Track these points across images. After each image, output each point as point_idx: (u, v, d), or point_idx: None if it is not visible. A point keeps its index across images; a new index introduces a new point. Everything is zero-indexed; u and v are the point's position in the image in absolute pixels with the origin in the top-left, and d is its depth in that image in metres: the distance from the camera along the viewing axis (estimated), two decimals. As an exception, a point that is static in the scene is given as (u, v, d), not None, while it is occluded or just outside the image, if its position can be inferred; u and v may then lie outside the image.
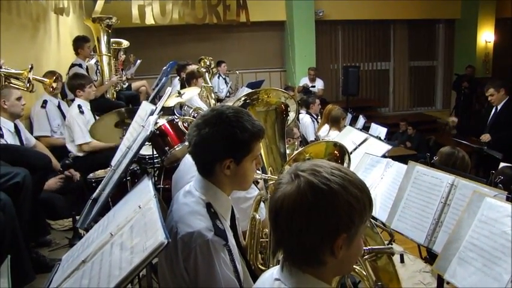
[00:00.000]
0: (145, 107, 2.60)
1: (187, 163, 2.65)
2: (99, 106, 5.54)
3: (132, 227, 1.28)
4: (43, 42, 6.69)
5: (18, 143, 4.04)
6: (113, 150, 4.81)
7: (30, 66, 2.92)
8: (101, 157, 4.72)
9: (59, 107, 5.40)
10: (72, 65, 6.39)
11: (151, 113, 2.35)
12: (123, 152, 2.40)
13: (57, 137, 5.25)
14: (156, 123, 2.43)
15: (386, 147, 4.08)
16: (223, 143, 1.78)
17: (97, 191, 2.11)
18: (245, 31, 11.31)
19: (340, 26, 12.29)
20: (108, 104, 6.05)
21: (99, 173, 4.37)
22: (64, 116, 5.36)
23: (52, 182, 4.11)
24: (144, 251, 1.11)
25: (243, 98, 2.20)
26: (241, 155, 1.81)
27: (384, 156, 3.74)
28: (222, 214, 1.83)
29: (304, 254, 1.28)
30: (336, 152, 2.08)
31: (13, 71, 2.84)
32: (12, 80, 2.86)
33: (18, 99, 4.12)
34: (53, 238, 3.71)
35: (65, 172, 4.55)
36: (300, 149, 2.07)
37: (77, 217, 3.66)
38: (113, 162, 2.56)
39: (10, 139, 3.97)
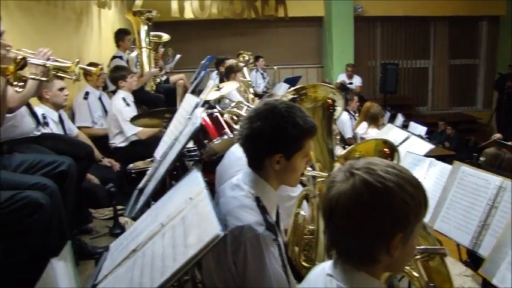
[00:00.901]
0: (189, 99, 2.62)
1: (232, 157, 2.66)
2: (139, 98, 5.61)
3: (183, 218, 1.29)
4: (85, 34, 6.83)
5: (62, 133, 4.14)
6: (155, 141, 4.93)
7: (77, 61, 2.97)
8: (140, 148, 4.80)
9: (100, 98, 5.51)
10: (113, 57, 6.52)
11: (197, 106, 2.36)
12: (168, 143, 2.42)
13: (97, 127, 5.35)
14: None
15: (428, 146, 4.00)
16: (274, 137, 1.77)
17: (143, 181, 2.13)
18: (282, 26, 11.27)
19: (379, 22, 12.11)
20: (147, 97, 6.14)
21: (139, 164, 4.44)
22: (105, 108, 5.47)
23: (92, 177, 4.20)
24: (198, 243, 1.11)
25: (291, 94, 2.19)
26: (291, 150, 1.81)
27: (425, 155, 3.66)
28: (269, 209, 1.83)
29: (359, 253, 1.27)
30: (385, 149, 2.05)
31: (61, 64, 2.89)
32: (59, 73, 2.90)
33: (61, 89, 4.22)
34: (94, 226, 3.78)
35: (105, 162, 4.63)
36: (350, 147, 2.05)
37: (118, 207, 3.76)
38: (157, 154, 2.58)
39: (54, 128, 4.07)
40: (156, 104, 6.01)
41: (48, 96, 4.11)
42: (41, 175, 2.84)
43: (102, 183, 4.25)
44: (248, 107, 3.34)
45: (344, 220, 1.26)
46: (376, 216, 1.24)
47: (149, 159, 4.46)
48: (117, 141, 4.95)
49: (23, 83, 2.54)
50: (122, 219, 3.73)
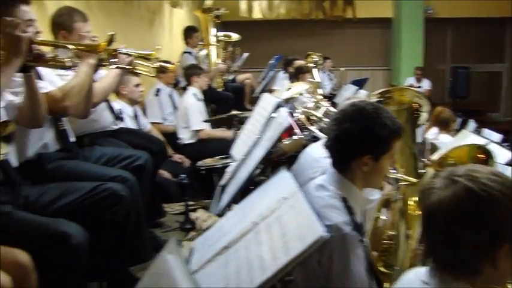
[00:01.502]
0: (268, 99, 2.62)
1: (308, 158, 2.63)
2: (208, 97, 5.69)
3: (278, 217, 1.27)
4: (157, 33, 7.01)
5: (136, 128, 4.26)
6: (223, 139, 5.00)
7: (158, 47, 3.03)
8: (210, 146, 4.86)
9: (170, 95, 5.62)
10: (184, 52, 6.66)
11: (278, 105, 2.36)
12: (247, 142, 2.43)
13: (167, 124, 5.46)
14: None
15: (509, 154, 3.81)
16: (363, 139, 1.75)
17: (226, 178, 2.14)
18: (350, 27, 11.12)
19: (450, 24, 11.70)
20: (216, 95, 6.22)
21: (208, 161, 4.49)
22: (175, 105, 5.59)
23: (164, 172, 4.29)
24: (300, 244, 1.10)
25: (376, 96, 2.15)
26: (380, 152, 1.78)
27: (507, 164, 3.49)
28: (355, 210, 1.80)
29: (458, 263, 1.22)
30: (479, 155, 1.97)
31: (143, 52, 2.95)
32: (140, 62, 2.94)
33: (137, 85, 4.37)
34: (165, 220, 3.85)
35: (176, 158, 4.71)
36: (442, 153, 1.98)
37: (189, 202, 3.83)
38: (234, 152, 2.60)
39: (129, 123, 4.19)
40: (225, 102, 6.09)
41: (125, 92, 4.25)
42: (119, 168, 2.92)
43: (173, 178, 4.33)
44: (327, 108, 3.30)
45: (444, 229, 1.22)
46: (478, 226, 1.19)
47: (218, 157, 4.51)
48: (186, 138, 5.04)
49: (115, 59, 2.60)
50: (192, 215, 3.78)
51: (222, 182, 2.18)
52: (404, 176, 2.07)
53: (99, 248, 2.47)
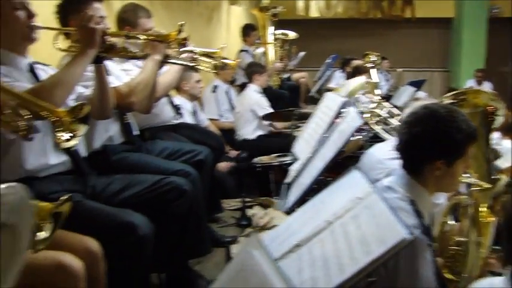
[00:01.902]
0: (332, 98, 2.59)
1: (372, 159, 2.59)
2: (264, 94, 5.70)
3: (354, 217, 1.25)
4: (215, 30, 7.08)
5: (195, 123, 4.31)
6: (280, 137, 5.01)
7: (223, 46, 3.05)
8: (268, 143, 4.87)
9: (227, 92, 5.66)
10: (241, 51, 6.71)
11: (344, 105, 2.33)
12: (309, 141, 2.41)
13: (223, 120, 5.51)
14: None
15: None
16: (436, 143, 1.70)
17: (291, 176, 2.13)
18: (407, 27, 10.85)
19: (516, 24, 11.22)
20: (272, 93, 6.21)
21: (264, 158, 4.50)
22: (231, 102, 5.63)
23: (223, 166, 4.31)
24: (381, 245, 1.07)
25: (449, 98, 2.09)
26: (454, 157, 1.72)
27: None
28: (424, 214, 1.74)
29: None
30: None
31: (208, 50, 2.98)
32: (203, 58, 2.97)
33: (197, 81, 4.44)
34: (221, 216, 3.88)
35: (232, 154, 4.74)
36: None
37: (246, 199, 3.85)
38: (297, 151, 2.58)
39: (188, 119, 4.24)
40: (281, 101, 6.08)
41: (186, 88, 4.31)
42: (180, 162, 2.96)
43: (229, 175, 4.37)
44: (390, 108, 3.24)
45: None
46: None
47: (274, 155, 4.52)
48: (246, 134, 5.06)
49: (184, 47, 2.64)
50: (249, 212, 3.79)
51: (287, 179, 2.16)
52: (477, 181, 1.99)
53: (160, 240, 2.51)
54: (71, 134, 1.74)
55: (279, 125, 5.17)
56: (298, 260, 1.24)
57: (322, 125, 2.42)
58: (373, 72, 6.33)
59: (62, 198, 1.42)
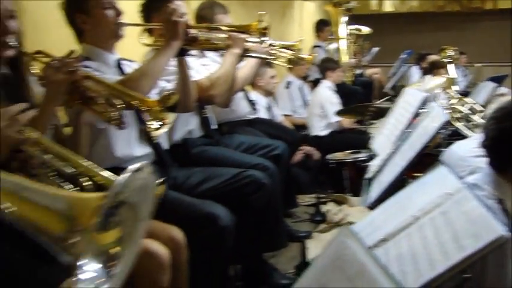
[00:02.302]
0: (412, 93, 2.54)
1: (454, 156, 2.51)
2: (337, 90, 5.65)
3: (444, 213, 1.23)
4: (288, 26, 7.10)
5: (269, 118, 4.35)
6: (354, 133, 4.95)
7: (301, 39, 3.06)
8: (341, 139, 4.84)
9: (300, 88, 5.66)
10: (314, 46, 6.68)
11: (425, 100, 2.28)
12: (390, 136, 2.38)
13: (296, 116, 5.51)
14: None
15: None
16: None
17: (371, 171, 2.12)
18: (488, 20, 10.35)
19: None
20: (345, 89, 6.14)
21: (338, 155, 4.47)
22: (304, 98, 5.63)
23: (296, 157, 4.32)
24: (476, 241, 1.05)
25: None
26: None
27: None
28: None
29: None
30: None
31: (286, 43, 3.00)
32: (281, 53, 2.99)
33: (272, 77, 4.48)
34: (295, 211, 3.90)
35: (306, 150, 4.74)
36: None
37: (321, 195, 3.85)
38: (376, 146, 2.55)
39: (263, 114, 4.29)
40: (353, 97, 6.00)
41: (261, 84, 4.36)
42: (257, 157, 3.00)
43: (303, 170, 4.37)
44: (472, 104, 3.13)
45: None
46: None
47: (348, 151, 4.48)
48: (318, 130, 5.05)
49: (266, 36, 2.66)
50: (323, 208, 3.79)
51: (368, 175, 2.15)
52: None
53: (237, 232, 2.56)
54: (160, 123, 1.81)
55: (347, 121, 5.10)
56: (385, 254, 1.23)
57: (403, 120, 2.37)
58: (451, 67, 6.12)
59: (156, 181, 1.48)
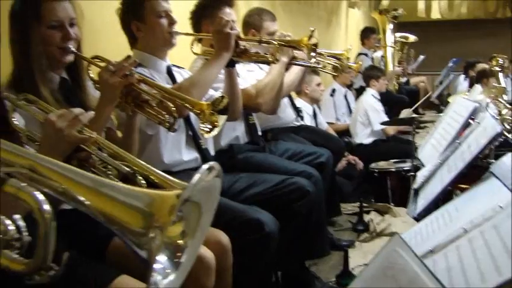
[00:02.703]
0: (462, 102, 2.50)
1: (505, 167, 2.46)
2: (383, 99, 5.61)
3: (495, 226, 1.21)
4: (334, 33, 7.09)
5: (314, 126, 4.36)
6: (398, 143, 4.90)
7: (349, 47, 3.07)
8: (385, 148, 4.80)
9: (345, 96, 5.65)
10: (359, 54, 6.65)
11: (475, 110, 2.24)
12: (437, 147, 2.35)
13: (340, 124, 5.49)
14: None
15: None
16: None
17: (419, 182, 2.10)
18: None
19: None
20: (391, 98, 6.10)
21: (382, 164, 4.44)
22: (349, 106, 5.61)
23: (339, 165, 4.31)
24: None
25: None
26: None
27: None
28: None
29: None
30: None
31: (334, 52, 3.01)
32: (328, 61, 3.01)
33: (318, 85, 4.50)
34: (337, 219, 3.88)
35: (350, 159, 4.72)
36: None
37: (364, 204, 3.82)
38: (422, 156, 2.52)
39: (309, 122, 4.30)
40: (399, 106, 5.95)
41: (307, 91, 4.38)
42: (302, 164, 3.01)
43: (346, 179, 4.36)
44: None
45: None
46: None
47: (392, 160, 4.43)
48: (362, 138, 5.02)
49: (314, 52, 2.68)
50: (366, 217, 3.76)
51: (415, 185, 2.13)
52: None
53: (280, 238, 2.57)
54: (211, 126, 1.86)
55: (391, 130, 5.05)
56: (433, 266, 1.23)
57: (451, 131, 2.34)
58: (501, 76, 5.98)
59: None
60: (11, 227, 0.53)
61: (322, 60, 3.00)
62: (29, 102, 1.61)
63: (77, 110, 1.45)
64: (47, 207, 0.47)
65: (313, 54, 2.60)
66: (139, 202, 0.54)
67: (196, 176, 0.53)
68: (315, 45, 2.55)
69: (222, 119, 1.88)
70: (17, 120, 1.61)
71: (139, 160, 1.46)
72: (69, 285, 1.48)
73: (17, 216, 0.56)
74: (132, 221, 0.53)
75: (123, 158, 1.46)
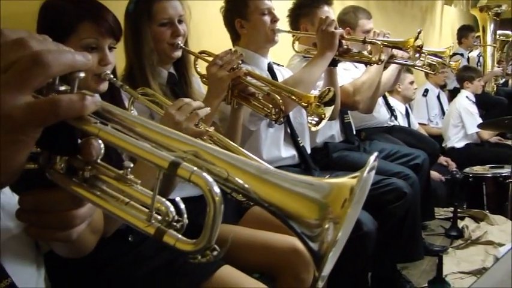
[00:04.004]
0: None
1: None
2: (479, 101, 5.36)
3: None
4: (427, 32, 6.86)
5: (407, 126, 4.24)
6: (491, 147, 4.68)
7: (452, 45, 2.96)
8: (478, 152, 4.61)
9: (438, 97, 5.45)
10: (454, 54, 6.38)
11: None
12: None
13: (432, 126, 5.31)
14: None
15: None
16: None
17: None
18: None
19: None
20: (488, 100, 5.82)
21: (477, 168, 4.25)
22: (442, 107, 5.41)
23: (436, 176, 4.17)
24: None
25: None
26: None
27: None
28: None
29: None
30: None
31: (436, 50, 2.92)
32: (427, 59, 2.91)
33: (411, 83, 4.37)
34: (428, 224, 3.77)
35: (442, 160, 4.56)
36: None
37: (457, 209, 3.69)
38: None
39: (401, 121, 4.19)
40: (497, 108, 5.66)
41: (400, 89, 4.27)
42: (397, 165, 2.95)
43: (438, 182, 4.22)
44: None
45: None
46: None
47: (488, 165, 4.24)
48: (454, 141, 4.83)
49: (420, 54, 2.60)
50: (460, 223, 3.63)
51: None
52: None
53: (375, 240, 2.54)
54: (318, 118, 1.86)
55: (486, 134, 4.80)
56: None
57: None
58: None
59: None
60: (172, 209, 0.57)
61: (422, 59, 2.92)
62: (147, 96, 1.69)
63: (195, 104, 1.50)
64: (217, 189, 0.50)
65: (417, 55, 2.52)
66: (315, 192, 0.55)
67: (366, 170, 0.53)
68: (420, 46, 2.48)
69: (328, 110, 1.88)
70: (134, 112, 1.70)
71: (252, 155, 1.49)
72: (172, 274, 1.55)
73: (178, 199, 0.59)
74: (304, 212, 0.54)
75: (234, 151, 1.51)
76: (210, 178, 0.51)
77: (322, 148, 2.83)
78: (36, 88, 0.53)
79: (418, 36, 2.46)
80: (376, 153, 0.59)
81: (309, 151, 2.59)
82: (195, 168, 0.52)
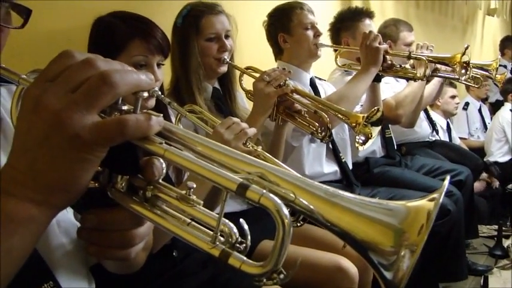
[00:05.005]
0: None
1: None
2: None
3: None
4: (469, 42, 6.72)
5: (447, 140, 4.15)
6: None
7: (499, 57, 2.88)
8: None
9: (479, 110, 5.32)
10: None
11: None
12: None
13: (473, 140, 5.18)
14: None
15: None
16: None
17: None
18: None
19: None
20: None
21: (521, 184, 4.13)
22: (483, 120, 5.27)
23: (477, 185, 4.06)
24: None
25: None
26: None
27: None
28: None
29: None
30: None
31: (481, 62, 2.85)
32: (472, 73, 2.83)
33: (452, 97, 4.28)
34: (471, 241, 3.67)
35: (483, 177, 4.44)
36: None
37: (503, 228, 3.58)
38: None
39: (442, 136, 4.11)
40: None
41: (439, 103, 4.19)
42: (440, 181, 2.89)
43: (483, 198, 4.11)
44: None
45: None
46: None
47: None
48: (497, 156, 4.70)
49: (467, 70, 2.54)
50: (505, 242, 3.52)
51: None
52: None
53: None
54: (365, 137, 1.84)
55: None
56: None
57: None
58: None
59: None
60: (235, 230, 0.56)
61: (467, 72, 2.85)
62: (194, 113, 1.70)
63: (244, 125, 1.50)
64: (286, 212, 0.49)
65: (463, 71, 2.47)
66: (390, 217, 0.53)
67: (442, 193, 0.52)
68: (467, 62, 2.42)
69: (375, 130, 1.85)
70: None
71: (297, 174, 1.48)
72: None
73: (242, 220, 0.59)
74: (379, 238, 0.53)
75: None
76: (279, 200, 0.51)
77: (363, 163, 2.79)
78: (104, 107, 0.55)
79: (465, 52, 2.40)
80: (448, 177, 0.58)
81: (350, 167, 2.56)
82: (264, 190, 0.51)
